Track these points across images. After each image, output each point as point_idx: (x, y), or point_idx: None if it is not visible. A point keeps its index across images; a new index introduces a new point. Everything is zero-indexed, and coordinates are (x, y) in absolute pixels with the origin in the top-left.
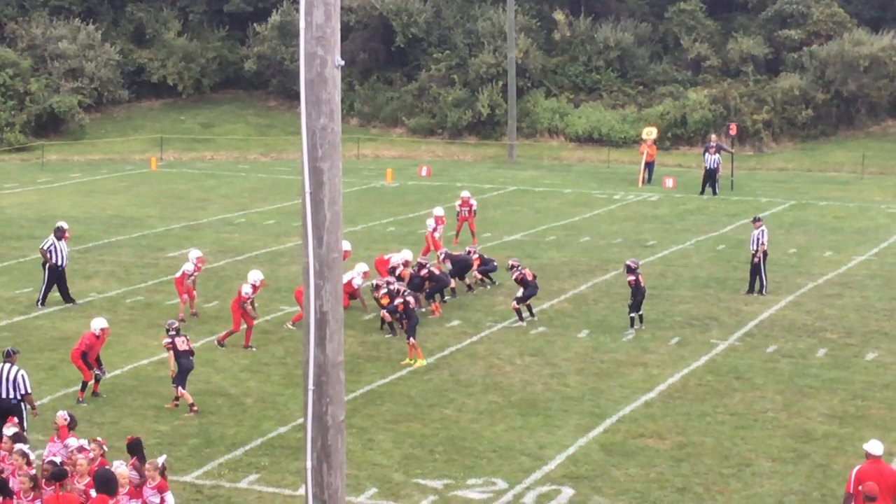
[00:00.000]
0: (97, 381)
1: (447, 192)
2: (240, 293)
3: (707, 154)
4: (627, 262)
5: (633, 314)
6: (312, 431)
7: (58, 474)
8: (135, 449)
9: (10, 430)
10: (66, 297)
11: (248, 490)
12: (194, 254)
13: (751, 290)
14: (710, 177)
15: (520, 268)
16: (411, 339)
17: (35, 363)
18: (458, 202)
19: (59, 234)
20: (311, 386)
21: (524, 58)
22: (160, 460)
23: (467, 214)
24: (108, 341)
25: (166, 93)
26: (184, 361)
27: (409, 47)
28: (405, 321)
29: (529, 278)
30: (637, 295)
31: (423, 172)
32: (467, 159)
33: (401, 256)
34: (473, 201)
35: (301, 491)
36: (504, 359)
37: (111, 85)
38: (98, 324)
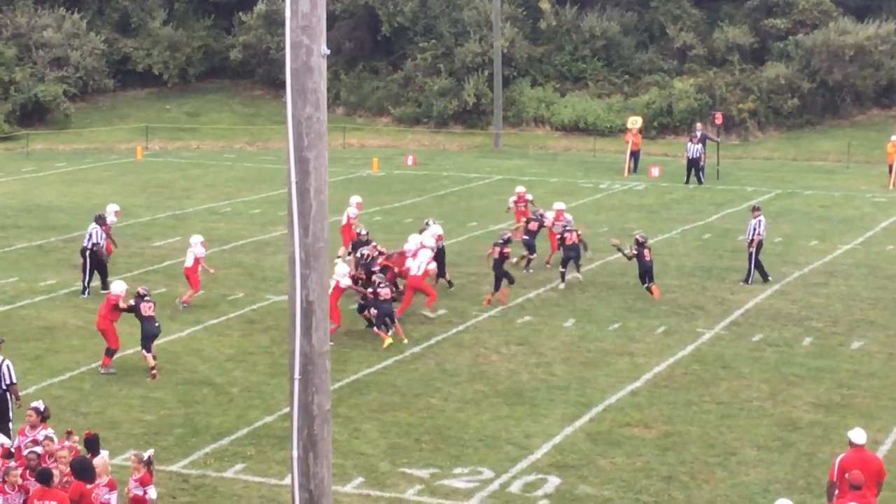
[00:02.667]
0: (109, 355)
1: (433, 182)
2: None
3: (689, 143)
4: (636, 237)
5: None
6: (298, 421)
7: (43, 477)
8: (91, 445)
9: None
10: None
11: (234, 479)
12: (197, 239)
13: (761, 278)
14: (694, 166)
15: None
16: (371, 312)
17: (20, 353)
18: (514, 197)
19: (101, 221)
20: (297, 375)
21: (510, 47)
22: (146, 453)
23: (524, 209)
24: (92, 331)
25: (152, 82)
26: (147, 326)
27: (394, 36)
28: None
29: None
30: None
31: (409, 162)
32: (453, 148)
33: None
34: (529, 196)
35: (287, 480)
36: (490, 348)
37: (96, 74)
38: (119, 287)
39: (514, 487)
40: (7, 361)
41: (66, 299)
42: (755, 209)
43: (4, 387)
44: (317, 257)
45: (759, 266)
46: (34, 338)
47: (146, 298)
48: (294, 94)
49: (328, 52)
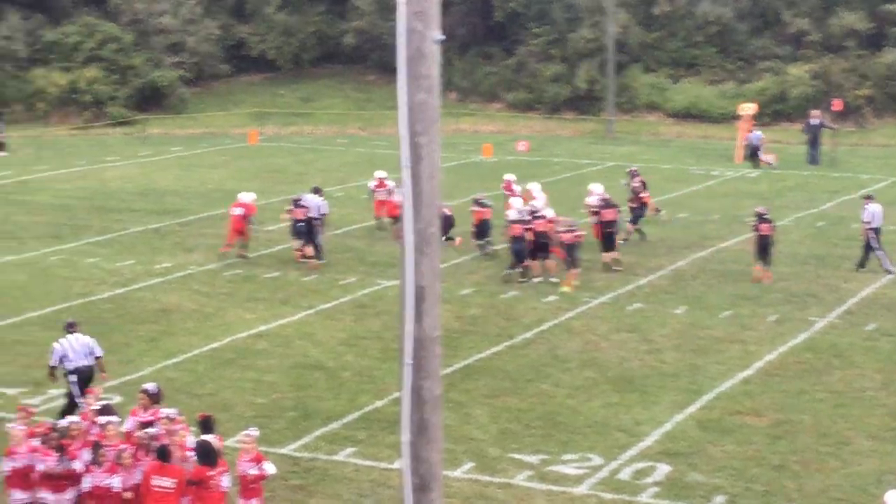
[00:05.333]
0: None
1: (545, 168)
2: None
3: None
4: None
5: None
6: (409, 406)
7: (161, 454)
8: (205, 427)
9: (95, 403)
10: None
11: (345, 463)
12: (380, 174)
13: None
14: (754, 151)
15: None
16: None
17: (136, 335)
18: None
19: (319, 192)
20: (407, 360)
21: (623, 33)
22: (253, 432)
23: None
24: (206, 314)
25: (266, 67)
26: (296, 225)
27: (507, 22)
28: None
29: None
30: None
31: (522, 147)
32: (565, 134)
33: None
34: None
35: (397, 464)
36: (600, 335)
37: (211, 59)
38: (250, 196)
39: (624, 474)
40: (89, 337)
41: (180, 282)
42: (866, 197)
43: (94, 362)
44: (428, 242)
45: (866, 252)
46: (150, 320)
47: (299, 203)
48: (407, 80)
49: (443, 37)
